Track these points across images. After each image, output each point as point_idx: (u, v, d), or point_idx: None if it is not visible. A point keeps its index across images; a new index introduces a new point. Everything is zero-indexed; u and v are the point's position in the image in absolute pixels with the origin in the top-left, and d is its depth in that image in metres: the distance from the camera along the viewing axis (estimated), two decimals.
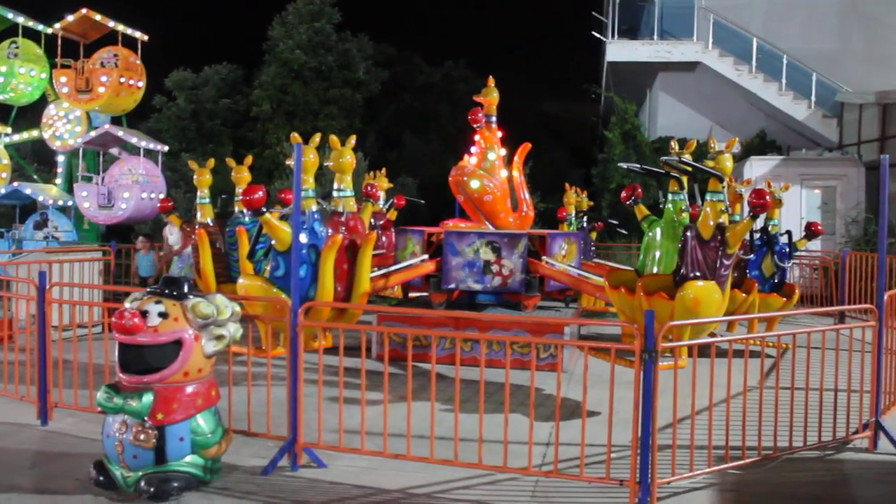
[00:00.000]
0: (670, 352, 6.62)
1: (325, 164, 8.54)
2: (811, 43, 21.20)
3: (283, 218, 7.44)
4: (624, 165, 10.51)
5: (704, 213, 7.10)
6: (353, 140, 8.65)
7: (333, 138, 8.54)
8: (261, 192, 7.24)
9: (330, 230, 7.83)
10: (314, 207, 7.69)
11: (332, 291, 7.43)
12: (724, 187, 7.16)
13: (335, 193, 8.43)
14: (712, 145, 7.64)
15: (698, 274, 7.03)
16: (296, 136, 7.86)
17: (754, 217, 6.98)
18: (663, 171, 8.04)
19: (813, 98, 20.67)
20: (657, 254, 7.99)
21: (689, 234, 7.16)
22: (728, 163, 7.42)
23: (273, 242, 7.49)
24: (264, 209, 7.25)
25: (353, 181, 8.84)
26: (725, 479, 5.74)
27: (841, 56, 21.22)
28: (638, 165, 9.30)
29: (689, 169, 7.75)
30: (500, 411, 5.95)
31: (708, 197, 7.16)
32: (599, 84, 27.11)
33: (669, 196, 8.03)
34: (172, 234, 11.44)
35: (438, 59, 33.45)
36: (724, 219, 7.05)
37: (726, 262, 7.06)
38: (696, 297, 6.80)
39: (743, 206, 10.04)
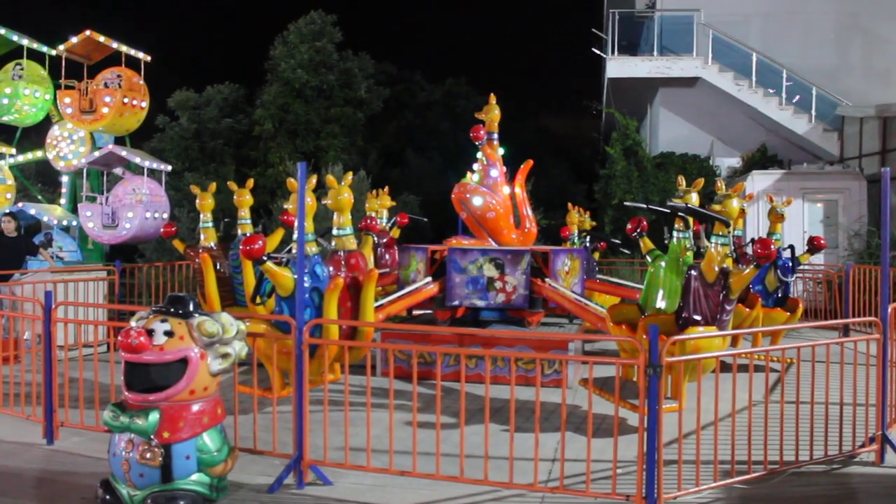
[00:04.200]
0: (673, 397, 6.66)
1: (324, 202, 8.46)
2: (811, 57, 21.32)
3: (283, 263, 7.41)
4: (629, 204, 10.55)
5: (709, 255, 7.08)
6: (349, 177, 8.58)
7: (330, 177, 8.47)
8: (260, 242, 7.16)
9: (332, 269, 7.81)
10: (314, 249, 7.67)
11: (337, 333, 7.37)
12: (729, 231, 7.17)
13: (335, 231, 8.35)
14: (720, 186, 7.64)
15: (699, 318, 7.02)
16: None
17: (757, 266, 6.96)
18: (668, 211, 8.03)
19: (813, 112, 20.76)
20: (661, 292, 7.99)
21: (692, 273, 7.16)
22: (735, 204, 7.41)
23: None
24: (265, 257, 7.20)
25: (356, 200, 8.84)
26: (732, 493, 5.73)
27: (840, 70, 21.36)
28: (645, 204, 9.33)
29: (696, 214, 7.75)
30: (505, 427, 5.95)
31: (713, 240, 7.14)
32: (600, 100, 27.21)
33: (675, 233, 8.05)
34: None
35: (439, 77, 33.71)
36: (728, 263, 7.06)
37: (728, 308, 7.06)
38: (696, 345, 6.78)
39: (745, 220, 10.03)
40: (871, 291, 12.60)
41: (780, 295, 10.56)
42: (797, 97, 21.08)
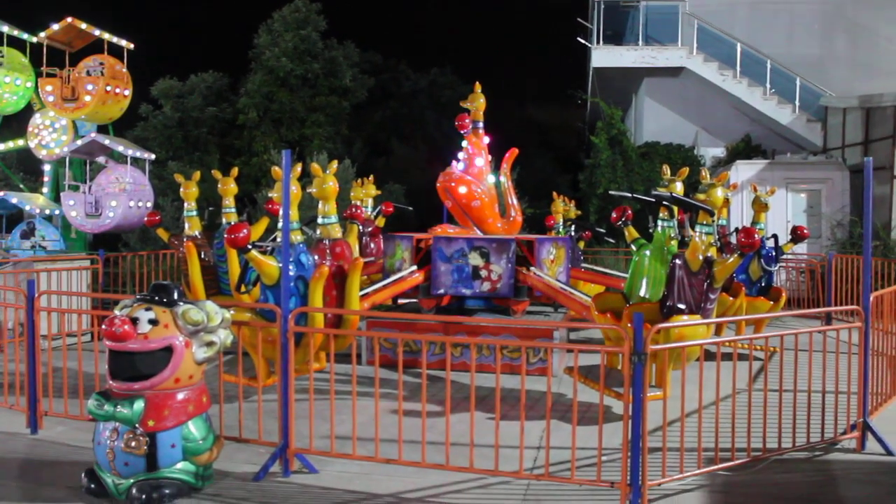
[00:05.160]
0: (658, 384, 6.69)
1: (309, 190, 8.41)
2: (795, 48, 21.42)
3: (268, 252, 7.38)
4: (614, 192, 10.55)
5: (693, 244, 7.10)
6: (334, 165, 8.54)
7: (315, 166, 8.42)
8: (245, 230, 7.11)
9: (317, 258, 7.79)
10: (300, 237, 7.64)
11: (322, 321, 7.36)
12: (713, 220, 7.20)
13: (320, 220, 8.31)
14: (704, 175, 7.66)
15: (683, 307, 7.05)
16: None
17: (741, 255, 6.99)
18: (653, 200, 8.05)
19: (797, 102, 20.85)
20: (645, 280, 8.02)
21: (677, 262, 7.19)
22: (719, 194, 7.44)
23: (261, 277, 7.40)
24: (250, 246, 7.16)
25: (341, 189, 8.80)
26: (715, 480, 5.77)
27: (825, 61, 21.43)
28: (629, 193, 9.34)
29: (680, 203, 7.77)
30: (491, 416, 5.97)
31: (697, 229, 7.17)
32: (585, 90, 27.23)
33: (659, 222, 8.07)
34: None
35: (424, 66, 33.62)
36: (712, 252, 7.09)
37: (712, 297, 7.09)
38: (680, 333, 6.81)
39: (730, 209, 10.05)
40: (854, 280, 12.69)
41: (763, 284, 10.63)
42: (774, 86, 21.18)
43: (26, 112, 16.00)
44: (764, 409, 6.10)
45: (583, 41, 23.88)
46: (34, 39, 15.48)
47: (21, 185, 17.51)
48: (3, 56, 15.25)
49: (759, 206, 11.01)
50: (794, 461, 6.24)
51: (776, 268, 10.94)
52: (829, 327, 8.27)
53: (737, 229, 8.19)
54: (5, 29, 15.21)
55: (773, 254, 10.67)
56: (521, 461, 5.46)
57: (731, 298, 9.73)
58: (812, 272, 14.47)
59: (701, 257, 7.03)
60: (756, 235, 6.94)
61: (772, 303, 10.38)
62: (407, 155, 29.34)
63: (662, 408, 5.82)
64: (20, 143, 16.17)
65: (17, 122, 17.07)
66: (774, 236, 10.73)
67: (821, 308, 12.76)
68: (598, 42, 22.20)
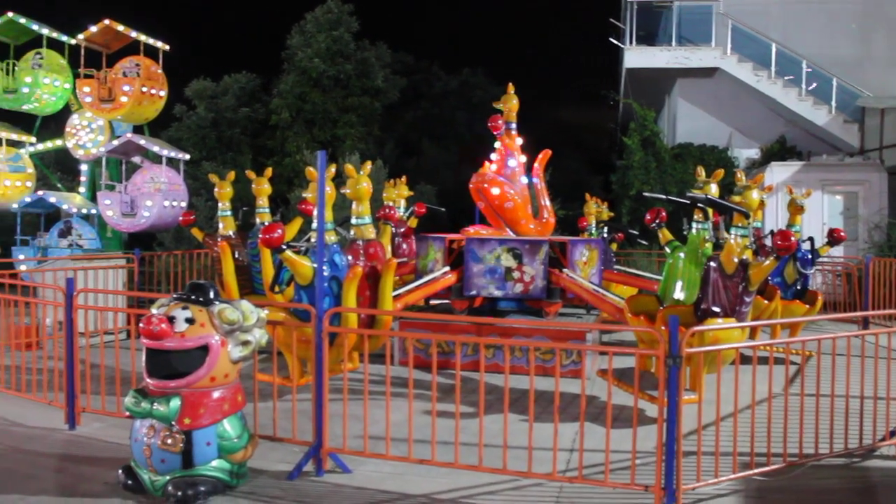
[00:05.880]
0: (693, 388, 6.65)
1: (342, 191, 8.47)
2: (831, 48, 21.13)
3: (302, 252, 7.43)
4: (648, 195, 10.50)
5: (728, 247, 7.05)
6: (368, 166, 8.60)
7: (349, 167, 8.48)
8: (280, 231, 7.18)
9: (350, 258, 7.82)
10: (333, 238, 7.68)
11: (355, 321, 7.40)
12: (748, 223, 7.14)
13: (354, 221, 8.36)
14: (739, 178, 7.59)
15: (717, 310, 7.00)
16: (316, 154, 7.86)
17: (777, 258, 6.93)
18: (687, 202, 8.01)
19: (833, 103, 20.59)
20: (680, 282, 7.97)
21: (711, 265, 7.13)
22: (755, 196, 7.36)
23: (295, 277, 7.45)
24: (284, 246, 7.22)
25: (374, 189, 8.84)
26: (750, 485, 5.71)
27: (862, 60, 21.13)
28: (664, 195, 9.29)
29: (715, 205, 7.71)
30: (524, 417, 5.96)
31: (732, 232, 7.12)
32: (618, 91, 27.11)
33: (694, 224, 8.02)
34: None
35: (456, 67, 33.60)
36: (747, 255, 7.02)
37: (747, 300, 7.03)
38: (715, 336, 6.76)
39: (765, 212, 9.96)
40: (891, 284, 12.51)
41: (799, 287, 10.51)
42: (814, 84, 20.89)
43: (64, 113, 16.26)
44: (800, 414, 6.03)
45: (615, 42, 23.76)
46: (72, 41, 15.75)
47: (59, 185, 17.77)
48: (42, 58, 15.52)
49: (795, 208, 10.88)
50: (832, 467, 6.16)
51: (812, 271, 10.82)
52: (866, 331, 8.16)
53: (772, 232, 8.11)
54: (45, 31, 15.49)
55: (809, 257, 10.54)
56: (555, 463, 5.44)
57: (766, 302, 9.64)
58: (849, 275, 14.28)
59: (736, 260, 6.97)
60: (792, 238, 6.87)
61: (808, 306, 10.26)
62: (438, 155, 29.34)
63: (697, 411, 5.77)
64: (58, 143, 16.43)
65: (55, 123, 17.35)
66: (810, 239, 10.60)
67: (858, 312, 12.59)
68: (630, 43, 22.08)
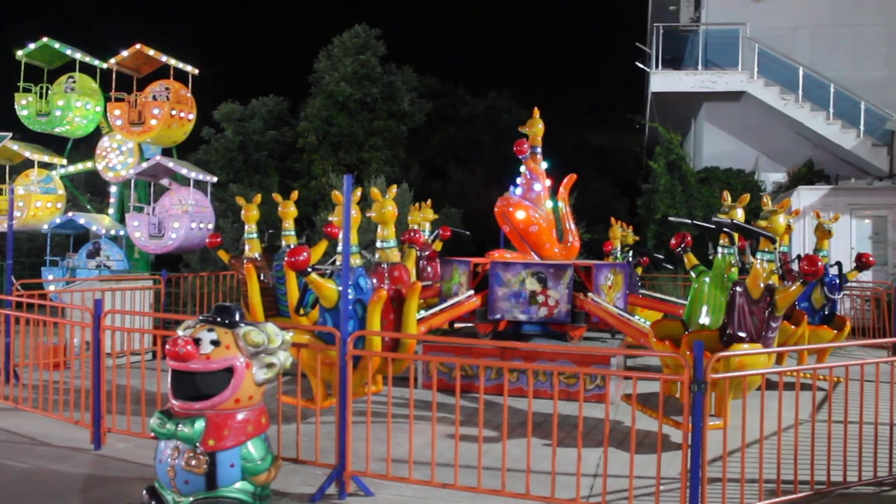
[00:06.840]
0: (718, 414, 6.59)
1: (368, 214, 8.53)
2: (859, 71, 21.01)
3: (327, 275, 7.47)
4: (674, 219, 10.47)
5: (754, 271, 7.01)
6: (394, 189, 8.65)
7: (375, 190, 8.54)
8: (305, 254, 7.23)
9: (375, 281, 7.85)
10: (358, 261, 7.72)
11: (379, 345, 7.41)
12: (775, 248, 7.10)
13: (379, 244, 8.40)
14: (766, 202, 7.56)
15: (743, 335, 6.95)
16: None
17: (804, 283, 6.88)
18: (713, 227, 7.98)
19: (862, 126, 20.42)
20: (705, 307, 7.93)
21: (737, 290, 7.09)
22: (781, 220, 7.33)
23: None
24: (309, 269, 7.26)
25: (399, 213, 8.87)
26: None
27: (890, 83, 20.97)
28: (689, 219, 9.26)
29: (741, 230, 7.68)
30: (547, 442, 5.92)
31: (759, 256, 7.09)
32: (643, 114, 27.07)
33: (720, 249, 7.99)
34: None
35: (482, 91, 33.74)
36: (773, 280, 6.98)
37: (773, 325, 6.98)
38: (741, 362, 6.71)
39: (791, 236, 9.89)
40: None
41: (826, 312, 10.40)
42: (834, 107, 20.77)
43: (95, 135, 16.54)
44: (828, 441, 5.95)
45: (641, 66, 23.77)
46: (104, 65, 16.04)
47: (88, 206, 18.03)
48: (75, 81, 15.81)
49: (822, 232, 10.78)
50: (861, 496, 6.06)
51: (840, 296, 10.70)
52: (895, 358, 8.05)
53: (799, 256, 8.05)
54: (78, 56, 15.79)
55: (837, 282, 10.43)
56: (578, 488, 5.40)
57: (792, 327, 9.55)
58: (878, 300, 14.11)
59: (762, 285, 6.93)
60: (819, 263, 6.81)
61: (835, 332, 10.15)
62: (464, 179, 29.43)
63: (722, 437, 5.71)
64: (88, 165, 16.69)
65: (85, 145, 17.64)
66: (838, 264, 10.50)
67: (887, 338, 12.42)
68: (656, 67, 22.07)
